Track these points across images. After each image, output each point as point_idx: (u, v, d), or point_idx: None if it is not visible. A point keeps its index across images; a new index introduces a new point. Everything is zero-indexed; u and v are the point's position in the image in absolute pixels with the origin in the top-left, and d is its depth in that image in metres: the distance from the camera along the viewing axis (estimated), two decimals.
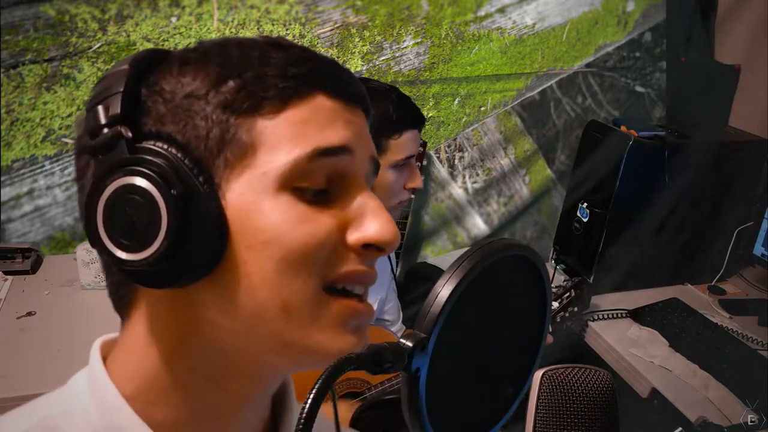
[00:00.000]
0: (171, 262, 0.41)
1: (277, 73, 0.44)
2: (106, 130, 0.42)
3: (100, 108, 0.43)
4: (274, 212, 0.43)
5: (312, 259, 0.43)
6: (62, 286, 1.78)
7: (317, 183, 0.44)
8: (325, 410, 0.41)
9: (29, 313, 1.63)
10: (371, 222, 0.45)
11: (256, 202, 0.43)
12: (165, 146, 0.42)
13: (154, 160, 0.41)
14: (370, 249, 0.45)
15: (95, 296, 1.72)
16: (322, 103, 0.45)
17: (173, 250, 0.41)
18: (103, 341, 0.52)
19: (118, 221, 0.42)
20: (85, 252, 1.72)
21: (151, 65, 0.45)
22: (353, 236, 0.45)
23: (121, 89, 0.43)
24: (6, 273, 1.79)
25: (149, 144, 0.42)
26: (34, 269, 1.83)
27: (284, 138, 0.43)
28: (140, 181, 0.41)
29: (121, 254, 0.42)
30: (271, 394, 0.54)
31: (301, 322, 0.44)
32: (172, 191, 0.41)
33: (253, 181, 0.43)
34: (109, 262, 0.43)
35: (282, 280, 0.43)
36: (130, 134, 0.42)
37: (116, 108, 0.42)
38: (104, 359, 0.50)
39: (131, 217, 0.41)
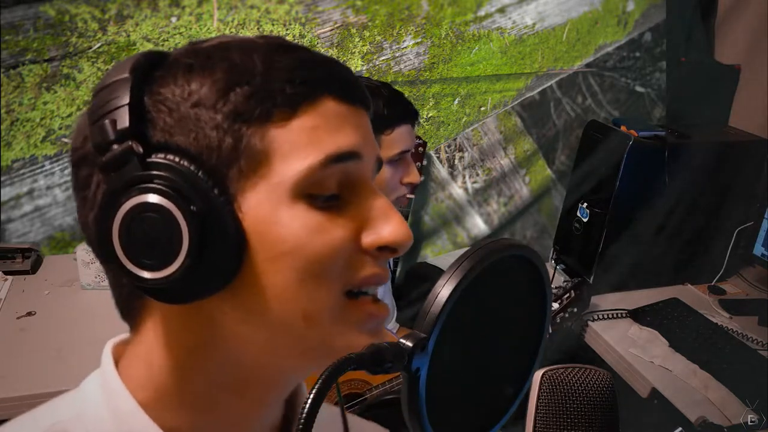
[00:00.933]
0: (192, 278, 0.41)
1: (284, 78, 0.43)
2: (116, 146, 0.41)
3: (107, 122, 0.41)
4: (292, 222, 0.42)
5: (331, 268, 0.43)
6: (62, 286, 1.78)
7: (329, 189, 0.44)
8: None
9: (29, 313, 1.63)
10: (385, 224, 0.45)
11: (273, 212, 0.42)
12: (177, 159, 0.41)
13: (170, 176, 0.40)
14: (385, 251, 0.45)
15: (95, 296, 1.72)
16: (330, 107, 0.45)
17: (194, 266, 0.40)
18: (115, 343, 0.51)
19: (136, 240, 0.41)
20: (85, 252, 1.72)
21: (149, 71, 0.44)
22: (368, 239, 0.45)
23: (128, 101, 0.41)
24: (6, 273, 1.79)
25: (161, 157, 0.41)
26: (34, 269, 1.83)
27: (297, 146, 0.43)
28: (158, 199, 0.40)
29: (142, 273, 0.41)
30: (287, 396, 0.54)
31: (323, 329, 0.44)
32: (192, 207, 0.40)
33: (268, 191, 0.42)
34: (122, 277, 0.42)
35: (303, 290, 0.43)
36: (141, 149, 0.41)
37: (124, 122, 0.41)
38: (116, 362, 0.49)
39: (150, 235, 0.40)
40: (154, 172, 0.41)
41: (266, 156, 0.42)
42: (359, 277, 0.45)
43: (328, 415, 0.52)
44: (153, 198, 0.40)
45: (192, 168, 0.41)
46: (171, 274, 0.40)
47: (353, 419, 0.65)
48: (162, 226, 0.40)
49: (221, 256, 0.41)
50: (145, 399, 0.47)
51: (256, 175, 0.42)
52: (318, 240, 0.43)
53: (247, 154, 0.42)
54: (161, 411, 0.47)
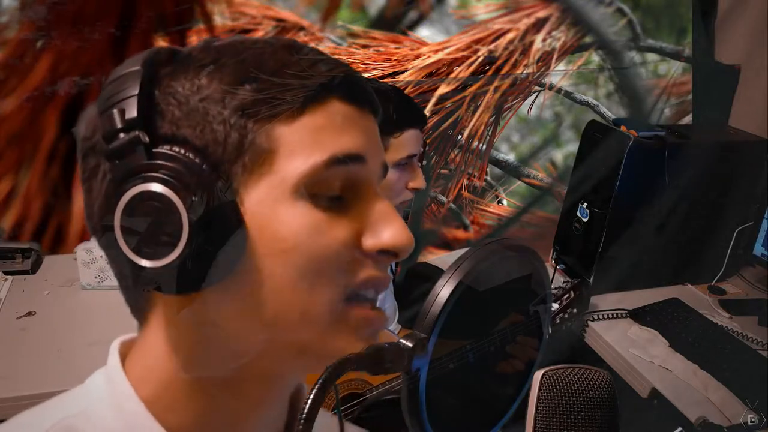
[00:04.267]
0: (190, 269, 0.41)
1: (293, 77, 0.44)
2: (122, 135, 0.42)
3: (116, 111, 0.42)
4: (293, 220, 0.43)
5: (330, 269, 0.44)
6: (62, 286, 1.78)
7: (332, 190, 0.45)
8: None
9: (29, 313, 1.63)
10: (386, 229, 0.45)
11: (275, 209, 0.43)
12: (183, 151, 0.42)
13: (174, 166, 0.41)
14: (385, 254, 0.46)
15: (95, 296, 1.72)
16: (337, 108, 0.45)
17: (193, 257, 0.41)
18: (122, 341, 0.52)
19: (137, 228, 0.41)
20: (85, 252, 1.72)
21: (161, 65, 0.45)
22: (369, 243, 0.45)
23: (137, 92, 0.42)
24: (6, 273, 1.79)
25: (166, 148, 0.42)
26: (34, 269, 1.83)
27: (302, 144, 0.43)
28: (160, 188, 0.41)
29: (141, 261, 0.41)
30: (288, 396, 0.54)
31: (320, 329, 0.44)
32: (193, 198, 0.41)
33: (271, 188, 0.43)
34: (124, 268, 0.43)
35: (301, 289, 0.43)
36: (147, 139, 0.42)
37: (133, 111, 0.42)
38: (122, 360, 0.50)
39: (151, 223, 0.41)
40: (159, 162, 0.41)
41: (271, 153, 0.43)
42: (359, 280, 0.45)
43: (326, 423, 0.52)
44: (155, 187, 0.41)
45: (197, 160, 0.42)
46: (170, 263, 0.41)
47: (350, 427, 0.65)
48: (163, 215, 0.41)
49: (220, 249, 0.42)
50: (148, 396, 0.48)
51: (260, 171, 0.43)
52: (318, 240, 0.43)
53: (252, 150, 0.43)
54: (163, 409, 0.47)
